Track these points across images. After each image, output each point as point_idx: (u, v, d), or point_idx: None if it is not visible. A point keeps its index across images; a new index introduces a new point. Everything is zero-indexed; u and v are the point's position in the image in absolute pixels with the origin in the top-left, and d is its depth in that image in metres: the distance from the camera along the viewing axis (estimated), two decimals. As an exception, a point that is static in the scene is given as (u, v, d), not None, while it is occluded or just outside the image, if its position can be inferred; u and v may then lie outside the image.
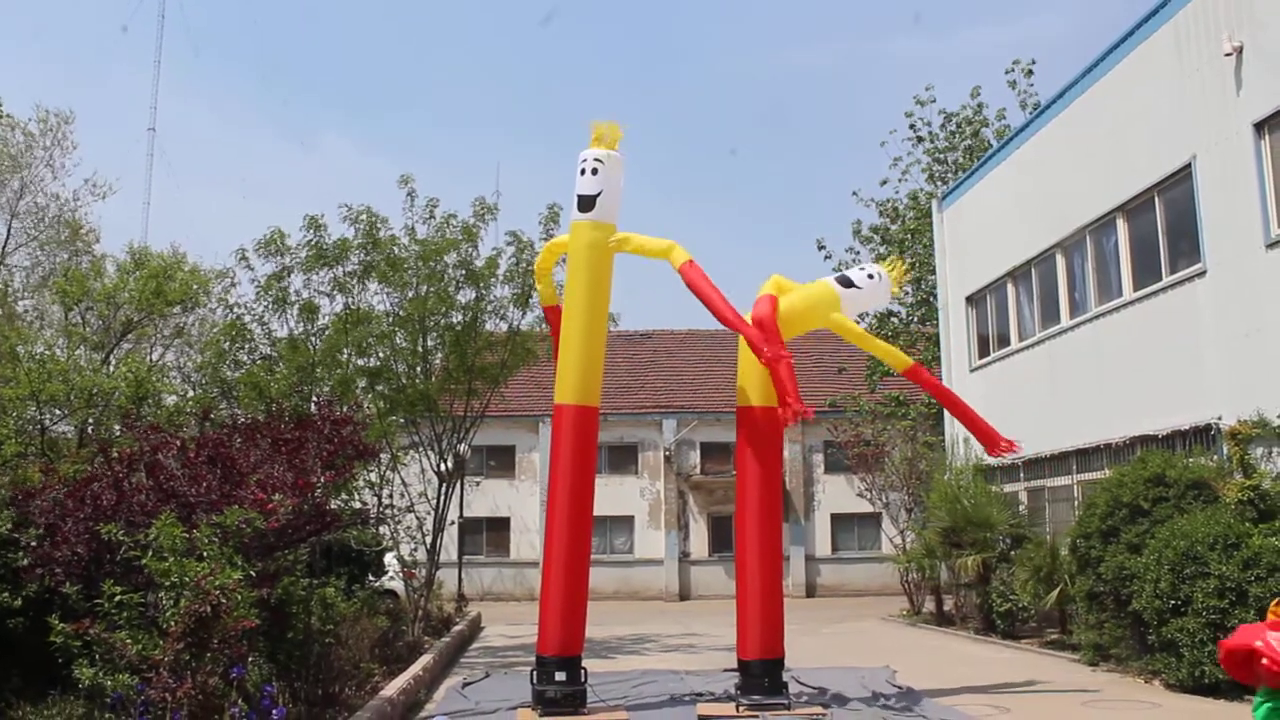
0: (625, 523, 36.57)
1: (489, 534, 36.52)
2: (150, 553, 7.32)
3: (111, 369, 18.86)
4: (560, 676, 11.24)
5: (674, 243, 11.74)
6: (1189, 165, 15.40)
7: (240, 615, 7.05)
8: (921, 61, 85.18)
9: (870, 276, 12.55)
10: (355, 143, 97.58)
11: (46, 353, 18.20)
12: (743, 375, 12.09)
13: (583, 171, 11.71)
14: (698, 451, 37.24)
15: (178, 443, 9.36)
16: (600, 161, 11.63)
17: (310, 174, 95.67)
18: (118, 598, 7.14)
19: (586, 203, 11.69)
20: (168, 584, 7.06)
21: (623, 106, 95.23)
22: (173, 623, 6.90)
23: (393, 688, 11.41)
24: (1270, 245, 13.76)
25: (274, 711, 6.93)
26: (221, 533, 7.64)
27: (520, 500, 36.61)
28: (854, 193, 42.86)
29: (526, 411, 35.07)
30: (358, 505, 16.77)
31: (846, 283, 12.41)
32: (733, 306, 11.35)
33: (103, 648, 7.11)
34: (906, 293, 31.70)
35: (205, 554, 7.31)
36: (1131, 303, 16.96)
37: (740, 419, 12.04)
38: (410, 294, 17.52)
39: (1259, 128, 14.01)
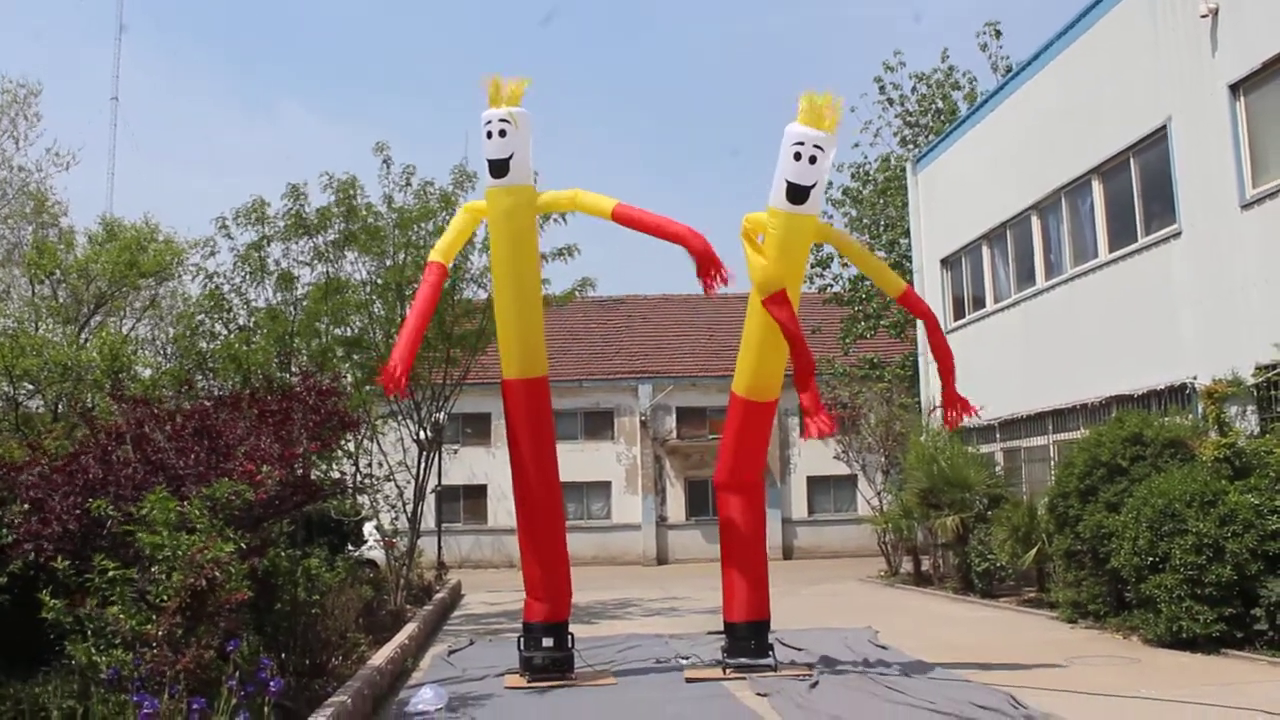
0: (602, 488, 36.68)
1: (466, 501, 36.53)
2: (142, 527, 7.27)
3: (85, 342, 18.66)
4: (547, 643, 11.32)
5: (588, 194, 11.15)
6: (1164, 127, 15.47)
7: (233, 588, 7.04)
8: (890, 21, 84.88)
9: (813, 160, 10.61)
10: (315, 111, 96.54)
11: (18, 327, 17.96)
12: (743, 360, 11.87)
13: (489, 135, 10.76)
14: (673, 416, 37.31)
15: (164, 415, 9.29)
16: (506, 121, 10.68)
17: (272, 143, 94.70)
18: (110, 573, 7.09)
19: (498, 167, 10.82)
20: (160, 558, 7.02)
21: (585, 66, 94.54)
22: (165, 597, 6.88)
23: (380, 657, 11.42)
24: (1245, 206, 13.87)
25: (271, 683, 6.92)
26: (211, 505, 7.61)
27: (497, 467, 36.36)
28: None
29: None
30: (336, 475, 16.72)
31: (800, 195, 10.72)
32: (672, 220, 10.69)
33: (96, 623, 7.08)
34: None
35: (197, 527, 7.28)
36: (1107, 264, 17.08)
37: (730, 401, 11.95)
38: (388, 262, 17.42)
39: (1234, 89, 14.07)
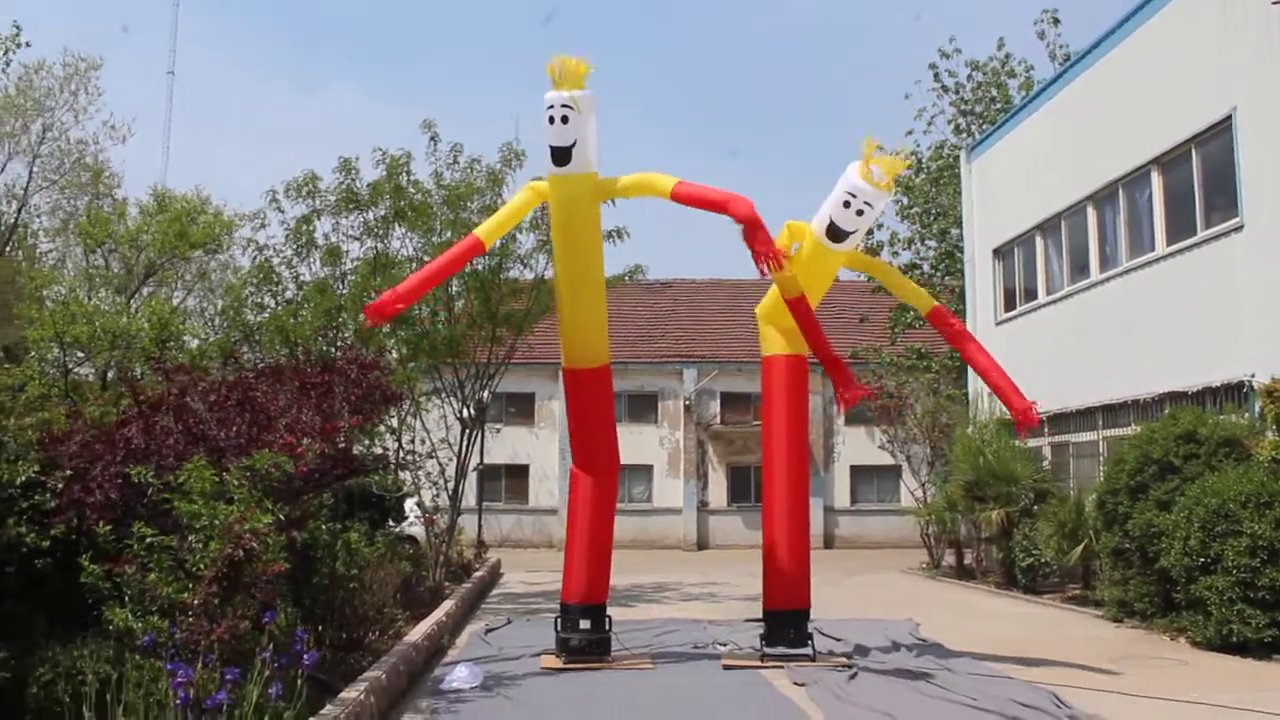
0: (644, 471, 36.60)
1: (508, 481, 36.62)
2: (180, 496, 7.28)
3: (134, 311, 18.85)
4: (585, 625, 11.27)
5: (653, 174, 10.78)
6: (1229, 118, 15.07)
7: (270, 560, 7.02)
8: (939, 7, 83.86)
9: (860, 213, 10.97)
10: (365, 90, 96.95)
11: (70, 295, 18.18)
12: (764, 322, 11.94)
13: (551, 120, 10.30)
14: (718, 401, 37.18)
15: (206, 385, 9.31)
16: (569, 107, 10.21)
17: (322, 120, 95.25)
18: (149, 540, 7.10)
19: (561, 155, 10.36)
20: (198, 527, 7.02)
21: (628, 51, 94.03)
22: (202, 566, 6.88)
23: (417, 633, 11.44)
24: (1312, 200, 13.50)
25: (305, 656, 6.89)
26: (251, 476, 7.60)
27: (540, 448, 36.65)
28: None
29: (547, 359, 34.94)
30: (379, 451, 16.78)
31: (839, 236, 11.06)
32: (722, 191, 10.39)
33: (134, 589, 7.09)
34: (930, 246, 31.46)
35: (235, 497, 7.27)
36: (1164, 257, 16.72)
37: (765, 367, 11.92)
38: (435, 239, 17.40)
39: (1304, 79, 13.69)
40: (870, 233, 31.72)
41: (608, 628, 11.46)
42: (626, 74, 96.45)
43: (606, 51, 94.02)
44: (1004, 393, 11.30)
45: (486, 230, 11.13)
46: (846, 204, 10.90)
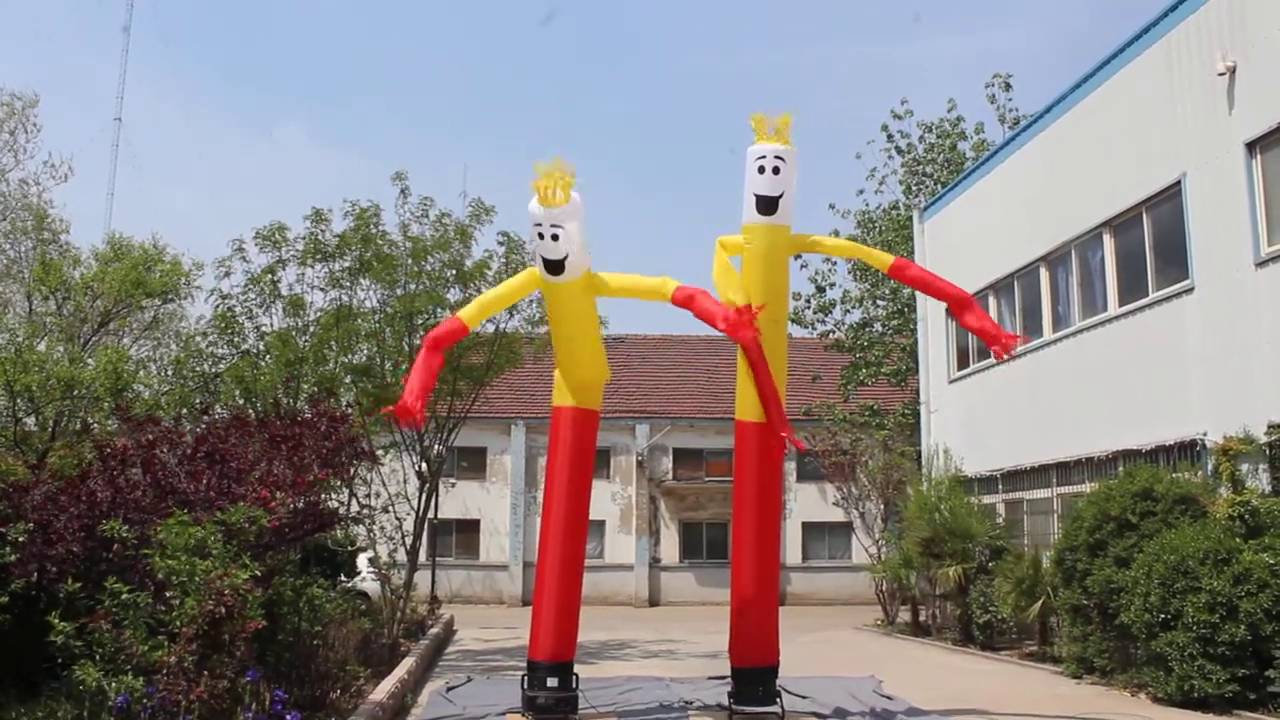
0: (596, 527, 36.30)
1: (459, 536, 36.26)
2: (158, 551, 7.12)
3: (87, 359, 18.51)
4: (552, 682, 11.12)
5: (664, 278, 10.78)
6: (1179, 182, 15.48)
7: (250, 616, 6.89)
8: (880, 68, 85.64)
9: (776, 171, 10.83)
10: (313, 136, 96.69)
11: (23, 342, 17.80)
12: (743, 386, 11.90)
13: (541, 236, 10.36)
14: (670, 457, 37.15)
15: (177, 438, 9.16)
16: (558, 226, 10.26)
17: (269, 168, 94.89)
18: (123, 596, 6.92)
19: (554, 266, 10.48)
20: (175, 583, 6.87)
21: (585, 100, 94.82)
22: (180, 623, 6.72)
23: (381, 691, 11.22)
24: (1260, 264, 13.85)
25: (289, 716, 6.74)
26: (225, 531, 7.46)
27: (491, 502, 36.38)
28: (831, 205, 42.87)
29: (499, 413, 34.84)
30: (334, 505, 16.53)
31: (769, 206, 10.89)
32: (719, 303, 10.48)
33: (107, 648, 6.88)
34: (882, 305, 31.80)
35: (213, 552, 7.13)
36: (1116, 318, 17.05)
37: (740, 426, 11.86)
38: (400, 291, 17.34)
39: (1251, 147, 14.10)
40: (822, 290, 32.15)
41: (575, 686, 11.34)
42: (568, 126, 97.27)
43: (548, 93, 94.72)
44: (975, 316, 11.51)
45: (471, 313, 11.12)
46: (760, 170, 10.86)
